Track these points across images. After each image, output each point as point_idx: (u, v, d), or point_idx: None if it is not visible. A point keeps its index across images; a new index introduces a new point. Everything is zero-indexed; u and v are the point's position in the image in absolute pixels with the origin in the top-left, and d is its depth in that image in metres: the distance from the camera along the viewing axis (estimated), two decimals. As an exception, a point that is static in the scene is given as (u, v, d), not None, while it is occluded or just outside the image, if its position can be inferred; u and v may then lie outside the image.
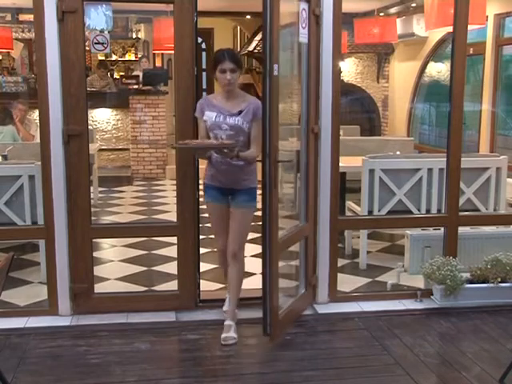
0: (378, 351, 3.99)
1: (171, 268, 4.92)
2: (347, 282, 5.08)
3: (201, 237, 4.62)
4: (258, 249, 6.07)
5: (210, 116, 4.03)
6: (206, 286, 4.79)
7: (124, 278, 5.21)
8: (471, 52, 8.29)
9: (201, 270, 4.64)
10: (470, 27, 4.93)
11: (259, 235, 6.53)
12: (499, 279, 4.61)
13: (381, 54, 10.79)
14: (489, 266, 4.65)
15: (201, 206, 4.52)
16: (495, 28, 8.01)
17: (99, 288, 4.63)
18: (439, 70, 9.71)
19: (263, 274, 3.96)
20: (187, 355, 3.99)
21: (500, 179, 5.70)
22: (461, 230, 4.88)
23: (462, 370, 3.74)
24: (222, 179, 4.10)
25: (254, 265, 5.64)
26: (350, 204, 6.12)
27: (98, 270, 4.88)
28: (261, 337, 4.02)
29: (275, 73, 3.78)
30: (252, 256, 5.93)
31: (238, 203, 4.13)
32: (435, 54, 9.65)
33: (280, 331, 4.04)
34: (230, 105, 4.03)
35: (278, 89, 3.85)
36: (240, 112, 3.99)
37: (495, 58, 8.15)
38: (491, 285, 4.62)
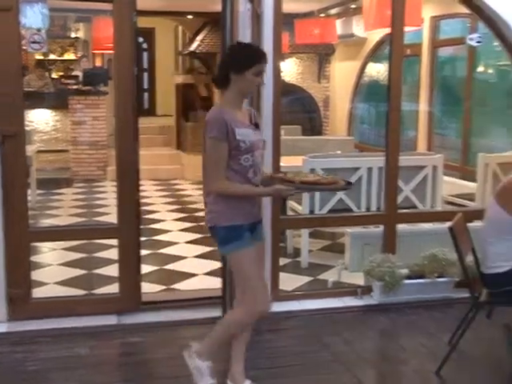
0: (319, 349, 4.03)
1: (112, 270, 4.86)
2: (289, 281, 5.11)
3: (142, 238, 4.57)
4: (201, 249, 6.10)
5: (246, 134, 3.06)
6: (147, 288, 4.75)
7: (64, 282, 5.11)
8: (408, 53, 8.47)
9: (142, 271, 4.60)
10: (406, 29, 5.05)
11: (203, 235, 6.59)
12: (436, 274, 4.73)
13: (321, 55, 10.90)
14: (426, 262, 4.77)
15: (144, 208, 4.47)
16: (431, 30, 8.21)
17: (38, 293, 4.53)
18: (378, 71, 9.88)
19: (223, 276, 3.94)
20: (128, 359, 3.95)
21: (436, 177, 5.85)
22: (399, 227, 4.99)
23: (401, 365, 3.83)
24: (254, 210, 3.23)
25: (196, 265, 5.65)
26: (291, 203, 6.17)
27: (36, 275, 4.79)
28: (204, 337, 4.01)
29: None
30: (195, 257, 5.93)
31: (260, 236, 3.32)
32: (374, 55, 9.82)
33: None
34: (242, 116, 3.14)
35: None
36: (256, 124, 3.20)
37: (431, 59, 8.35)
38: (428, 280, 4.73)
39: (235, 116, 3.06)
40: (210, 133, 3.02)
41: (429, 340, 4.15)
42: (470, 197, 6.53)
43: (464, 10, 5.25)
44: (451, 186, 6.81)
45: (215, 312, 4.13)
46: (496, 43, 5.35)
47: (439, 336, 4.14)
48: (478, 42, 5.96)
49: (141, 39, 13.13)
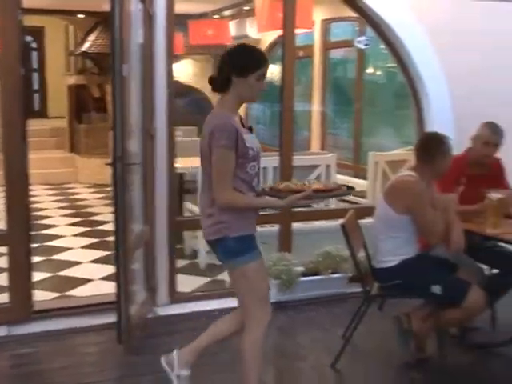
0: (218, 349, 4.01)
1: (1, 280, 4.66)
2: (187, 283, 5.09)
3: (34, 245, 4.41)
4: (97, 254, 5.97)
5: (252, 141, 2.92)
6: (40, 296, 4.58)
7: None
8: (301, 55, 8.66)
9: (34, 279, 4.43)
10: (298, 31, 5.15)
11: (97, 240, 6.46)
12: (330, 271, 4.86)
13: (216, 56, 10.93)
14: (321, 259, 4.88)
15: (36, 213, 4.29)
16: (322, 32, 8.43)
17: None
18: (272, 72, 10.02)
19: (117, 280, 3.85)
20: (20, 370, 3.79)
21: (330, 176, 6.00)
22: (294, 225, 5.07)
23: (298, 360, 3.90)
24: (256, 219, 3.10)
25: (92, 271, 5.52)
26: (188, 205, 6.15)
27: None
28: (102, 344, 3.94)
29: (124, 73, 3.68)
30: (90, 262, 5.79)
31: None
32: (268, 56, 9.95)
33: (133, 338, 3.98)
34: (238, 121, 2.97)
35: (129, 90, 3.78)
36: (250, 128, 3.05)
37: (323, 60, 8.57)
38: (323, 276, 4.85)
39: (237, 122, 2.90)
40: (218, 141, 2.79)
41: (325, 335, 4.25)
42: (361, 194, 6.75)
43: (353, 13, 5.42)
44: (344, 183, 6.99)
45: (110, 318, 4.03)
46: (383, 46, 5.55)
47: (334, 330, 4.24)
48: (366, 44, 6.19)
49: (29, 38, 12.65)
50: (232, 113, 2.91)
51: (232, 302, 4.68)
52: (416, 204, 3.49)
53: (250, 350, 3.04)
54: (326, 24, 8.40)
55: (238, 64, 2.87)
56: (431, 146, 3.60)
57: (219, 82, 2.92)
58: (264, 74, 2.91)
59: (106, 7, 3.63)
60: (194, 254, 5.85)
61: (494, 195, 3.83)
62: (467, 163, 4.08)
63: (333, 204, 5.98)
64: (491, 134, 4.04)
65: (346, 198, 6.83)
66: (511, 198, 3.94)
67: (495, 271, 4.15)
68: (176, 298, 4.71)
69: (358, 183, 7.08)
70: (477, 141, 4.10)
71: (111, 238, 3.82)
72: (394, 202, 3.55)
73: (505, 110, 5.38)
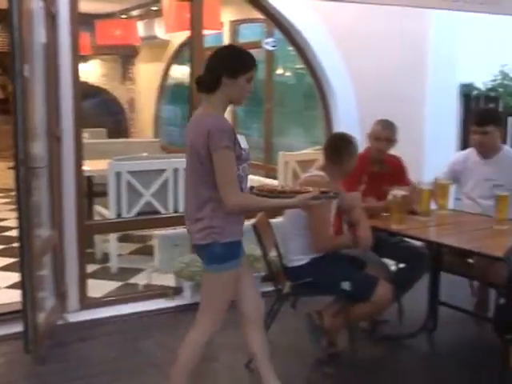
0: (132, 353, 3.99)
1: None
2: (99, 288, 5.00)
3: None
4: (2, 261, 5.75)
5: (243, 142, 2.95)
6: None
7: None
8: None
9: None
10: (206, 32, 5.14)
11: (2, 246, 6.22)
12: (244, 271, 4.87)
13: (125, 56, 10.78)
14: (234, 259, 4.89)
15: None
16: (231, 34, 8.46)
17: None
18: (183, 73, 9.98)
19: (23, 288, 3.70)
20: None
21: (241, 176, 6.02)
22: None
23: (212, 361, 3.89)
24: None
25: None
26: (98, 208, 6.03)
27: None
28: (8, 355, 3.80)
29: (26, 73, 3.55)
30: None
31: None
32: (178, 57, 9.90)
33: (41, 347, 3.84)
34: None
35: (32, 91, 3.66)
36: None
37: (233, 61, 8.59)
38: (237, 277, 4.86)
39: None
40: (220, 142, 2.72)
41: (239, 334, 4.24)
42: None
43: (260, 15, 5.47)
44: (256, 183, 7.04)
45: (17, 327, 3.88)
46: (291, 48, 5.64)
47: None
48: (273, 46, 6.26)
49: None
50: (221, 113, 2.87)
51: (147, 306, 4.69)
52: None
53: (192, 348, 3.07)
54: (235, 25, 8.43)
55: (229, 65, 2.83)
56: (339, 147, 3.68)
57: (207, 83, 2.87)
58: (253, 76, 2.88)
59: (5, 4, 3.49)
60: (106, 258, 5.75)
61: (398, 192, 3.96)
62: (368, 161, 4.21)
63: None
64: (382, 130, 4.21)
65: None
66: (413, 195, 4.10)
67: (401, 266, 4.29)
68: (87, 303, 4.61)
69: (270, 183, 7.15)
70: (370, 138, 4.26)
71: (17, 244, 3.69)
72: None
73: (408, 109, 5.61)
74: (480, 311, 4.49)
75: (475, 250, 3.61)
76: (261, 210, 2.92)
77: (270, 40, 6.30)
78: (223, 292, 2.98)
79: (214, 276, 2.95)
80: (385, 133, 4.21)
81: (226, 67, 2.82)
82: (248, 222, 3.69)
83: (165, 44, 9.79)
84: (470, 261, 4.20)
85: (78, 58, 4.45)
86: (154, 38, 9.47)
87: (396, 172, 4.31)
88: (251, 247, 4.74)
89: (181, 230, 5.27)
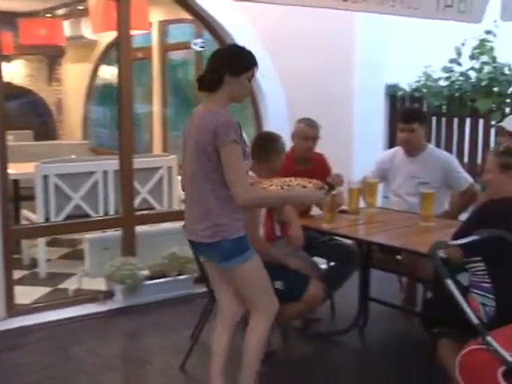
0: (63, 360, 3.90)
1: None
2: (27, 294, 4.86)
3: None
4: None
5: (246, 139, 2.99)
6: None
7: None
8: (140, 56, 8.56)
9: None
10: (134, 32, 5.09)
11: None
12: (176, 273, 4.85)
13: (51, 56, 10.52)
14: (166, 261, 4.86)
15: None
16: (160, 34, 8.39)
17: None
18: (112, 73, 9.83)
19: None
20: None
21: (172, 177, 5.99)
22: (139, 228, 5.01)
23: (146, 365, 3.86)
24: None
25: None
26: (25, 212, 5.87)
27: None
28: None
29: None
30: None
31: None
32: (106, 57, 9.74)
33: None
34: None
35: None
36: None
37: (162, 62, 8.54)
38: (169, 279, 4.84)
39: None
40: (228, 137, 2.74)
41: (172, 337, 4.24)
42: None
43: (189, 16, 5.45)
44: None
45: None
46: (220, 48, 5.64)
47: (182, 332, 4.24)
48: (202, 47, 6.26)
49: None
50: (223, 111, 2.87)
51: (77, 311, 4.60)
52: None
53: (256, 349, 3.07)
54: (163, 26, 8.37)
55: (233, 63, 2.87)
56: (266, 145, 3.71)
57: (209, 82, 2.88)
58: (254, 75, 2.92)
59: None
60: (34, 264, 5.61)
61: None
62: (293, 161, 4.25)
63: (176, 206, 5.98)
64: (309, 129, 4.26)
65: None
66: (340, 194, 4.18)
67: (332, 264, 4.36)
68: (15, 310, 4.48)
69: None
70: (296, 137, 4.31)
71: None
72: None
73: (336, 109, 5.71)
74: (408, 306, 4.61)
75: (402, 246, 3.71)
76: (271, 203, 3.05)
77: (198, 41, 6.29)
78: (252, 281, 3.01)
79: (235, 272, 2.98)
80: (312, 131, 4.27)
81: (229, 66, 2.86)
82: (180, 223, 3.68)
83: (92, 44, 9.61)
84: (399, 257, 4.31)
85: (0, 57, 4.32)
86: (81, 37, 9.28)
87: (321, 169, 4.36)
88: (183, 249, 4.75)
89: (111, 232, 5.19)
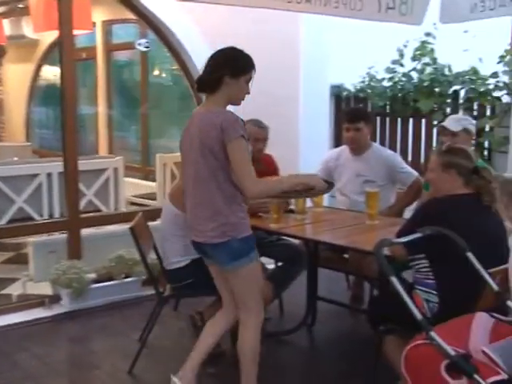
0: (7, 367, 3.81)
1: None
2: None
3: None
4: None
5: None
6: None
7: None
8: (84, 56, 8.45)
9: None
10: (77, 32, 5.01)
11: None
12: (123, 275, 4.80)
13: (-9, 56, 10.28)
14: (113, 264, 4.81)
15: None
16: (104, 34, 8.29)
17: None
18: (55, 74, 9.66)
19: None
20: None
21: (118, 179, 5.93)
22: (85, 231, 4.94)
23: (94, 369, 3.80)
24: None
25: None
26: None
27: None
28: None
29: None
30: None
31: None
32: (49, 57, 9.57)
33: None
34: None
35: None
36: None
37: (106, 62, 8.44)
38: (117, 281, 4.78)
39: None
40: (236, 132, 2.80)
41: (121, 340, 4.20)
42: (152, 196, 6.77)
43: (133, 16, 5.40)
44: (134, 186, 6.98)
45: None
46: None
47: (130, 335, 4.20)
48: (146, 47, 6.21)
49: None
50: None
51: (22, 316, 4.50)
52: None
53: (253, 344, 3.11)
54: (107, 25, 8.28)
55: (233, 65, 2.94)
56: None
57: (209, 83, 2.94)
58: (251, 78, 2.99)
59: None
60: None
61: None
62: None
63: (123, 208, 5.92)
64: (260, 130, 4.27)
65: (136, 201, 6.85)
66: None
67: (280, 264, 4.38)
68: (-45, 318, 4.36)
69: (148, 185, 7.09)
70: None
71: None
72: (178, 202, 3.61)
73: (283, 110, 5.75)
74: (356, 304, 4.68)
75: (348, 245, 3.75)
76: (279, 190, 3.08)
77: (142, 41, 6.25)
78: (253, 283, 3.06)
79: (240, 272, 3.00)
80: (262, 133, 4.28)
81: (229, 67, 2.93)
82: (125, 225, 3.65)
83: (34, 44, 9.43)
84: (346, 256, 4.37)
85: None
86: (23, 37, 9.09)
87: (269, 169, 4.38)
88: (131, 251, 4.70)
89: (56, 235, 5.11)
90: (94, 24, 7.59)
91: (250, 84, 3.01)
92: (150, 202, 6.60)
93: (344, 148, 4.68)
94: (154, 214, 4.63)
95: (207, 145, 2.87)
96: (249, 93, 3.03)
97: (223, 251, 2.98)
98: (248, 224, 3.00)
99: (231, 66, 2.95)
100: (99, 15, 7.92)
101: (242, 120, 2.90)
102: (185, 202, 3.14)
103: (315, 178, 3.24)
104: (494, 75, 5.41)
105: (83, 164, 4.96)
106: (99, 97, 8.65)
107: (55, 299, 4.70)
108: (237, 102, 3.04)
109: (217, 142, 2.84)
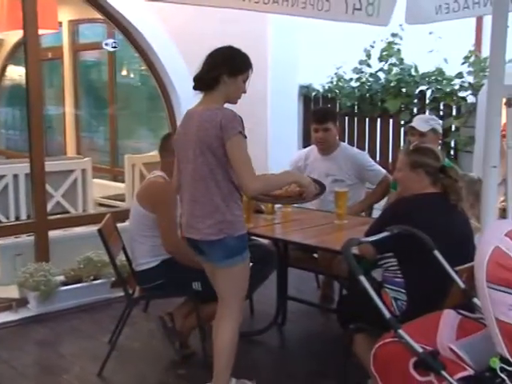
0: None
1: None
2: None
3: None
4: None
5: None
6: None
7: None
8: (50, 56, 8.35)
9: None
10: (42, 32, 4.95)
11: None
12: (92, 277, 4.76)
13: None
14: (82, 266, 4.76)
15: None
16: (70, 34, 8.21)
17: None
18: (21, 74, 9.53)
19: None
20: None
21: (86, 180, 5.88)
22: (53, 233, 4.88)
23: (63, 373, 3.76)
24: None
25: None
26: None
27: None
28: None
29: None
30: None
31: None
32: (14, 57, 9.43)
33: None
34: None
35: None
36: None
37: (73, 62, 8.36)
38: (85, 284, 4.74)
39: None
40: (235, 129, 2.81)
41: (90, 343, 4.16)
42: (121, 197, 6.72)
43: (100, 15, 5.35)
44: (102, 187, 6.92)
45: None
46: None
47: (100, 337, 4.17)
48: (114, 47, 6.16)
49: None
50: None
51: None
52: (160, 204, 3.58)
53: (229, 343, 3.09)
54: (74, 25, 8.19)
55: (231, 64, 2.96)
56: (169, 146, 3.69)
57: (206, 81, 2.96)
58: (248, 77, 3.02)
59: None
60: None
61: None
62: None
63: (92, 209, 5.87)
64: None
65: (104, 202, 6.79)
66: None
67: (251, 264, 4.38)
68: None
69: (117, 186, 7.03)
70: None
71: None
72: (146, 203, 3.60)
73: (252, 111, 5.74)
74: (325, 303, 4.71)
75: (318, 245, 3.78)
76: (276, 186, 3.14)
77: (110, 41, 6.19)
78: (242, 282, 3.09)
79: (232, 270, 3.02)
80: None
81: (227, 66, 2.95)
82: (94, 227, 3.62)
83: (-1, 43, 9.29)
84: (315, 255, 4.39)
85: None
86: (-14, 36, 8.96)
87: None
88: (99, 253, 4.67)
89: (23, 238, 5.04)
90: (60, 23, 7.51)
91: (246, 83, 3.03)
92: (119, 203, 6.55)
93: (312, 148, 4.70)
94: (123, 215, 4.60)
95: (206, 142, 2.88)
96: (245, 92, 3.04)
97: (219, 249, 2.98)
98: (244, 222, 3.03)
99: (229, 65, 2.97)
100: (65, 15, 7.83)
101: (240, 117, 2.91)
102: (180, 199, 3.13)
103: (307, 178, 3.25)
104: (459, 75, 5.49)
105: (50, 165, 4.91)
106: (66, 97, 8.55)
107: (22, 302, 4.64)
108: (234, 101, 3.05)
109: (216, 139, 2.85)
